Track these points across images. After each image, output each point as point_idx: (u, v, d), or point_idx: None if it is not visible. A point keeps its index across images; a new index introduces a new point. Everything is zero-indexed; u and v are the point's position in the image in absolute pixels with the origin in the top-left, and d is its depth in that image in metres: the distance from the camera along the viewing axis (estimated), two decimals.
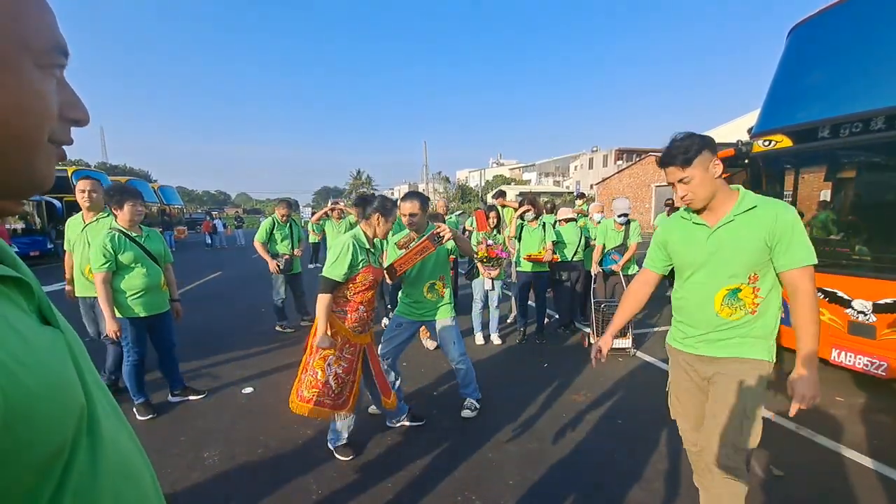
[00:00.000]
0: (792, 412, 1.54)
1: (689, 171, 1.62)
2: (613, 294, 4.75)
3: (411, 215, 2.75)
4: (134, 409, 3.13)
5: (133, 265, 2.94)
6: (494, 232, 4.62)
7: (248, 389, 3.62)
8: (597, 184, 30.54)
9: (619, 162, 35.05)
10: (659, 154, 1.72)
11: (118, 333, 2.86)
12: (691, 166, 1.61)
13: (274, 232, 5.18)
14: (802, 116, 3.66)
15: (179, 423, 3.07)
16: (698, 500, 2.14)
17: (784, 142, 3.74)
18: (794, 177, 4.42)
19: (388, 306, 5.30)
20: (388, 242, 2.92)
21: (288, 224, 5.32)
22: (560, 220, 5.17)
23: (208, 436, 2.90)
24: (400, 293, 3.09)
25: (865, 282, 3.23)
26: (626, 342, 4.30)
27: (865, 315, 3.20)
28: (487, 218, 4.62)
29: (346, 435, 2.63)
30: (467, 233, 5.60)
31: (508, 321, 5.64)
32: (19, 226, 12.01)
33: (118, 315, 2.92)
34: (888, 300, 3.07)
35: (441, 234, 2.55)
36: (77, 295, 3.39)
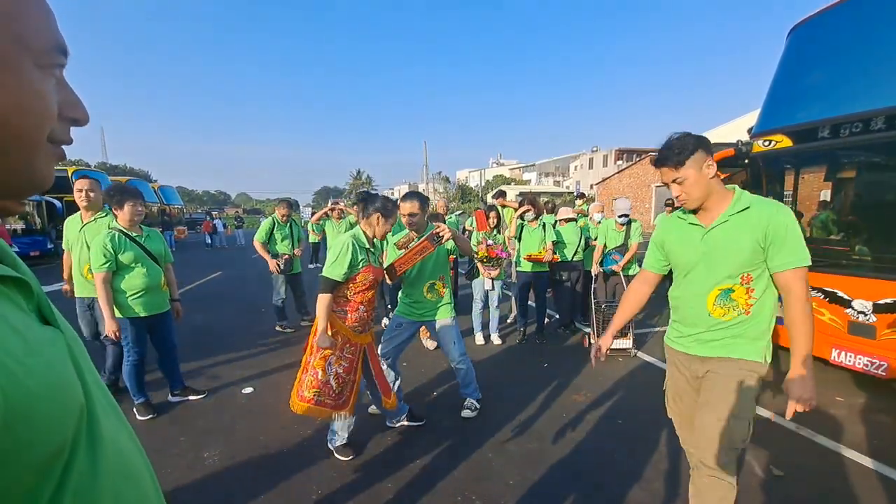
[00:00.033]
0: (788, 414, 1.54)
1: (683, 172, 1.62)
2: (614, 294, 4.75)
3: (411, 215, 2.76)
4: (134, 409, 3.13)
5: (133, 265, 2.94)
6: (494, 232, 4.62)
7: (248, 389, 3.62)
8: (597, 184, 30.54)
9: (619, 162, 35.05)
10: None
11: (117, 333, 2.86)
12: (684, 167, 1.61)
13: (274, 232, 5.19)
14: (802, 116, 3.66)
15: (179, 423, 3.07)
16: None
17: (784, 142, 3.74)
18: (794, 177, 4.42)
19: (388, 306, 5.30)
20: (387, 242, 2.92)
21: (288, 224, 5.32)
22: (560, 220, 5.17)
23: (208, 436, 2.90)
24: (400, 293, 3.09)
25: (865, 282, 3.23)
26: (626, 342, 4.30)
27: (865, 315, 3.20)
28: (487, 218, 4.62)
29: (346, 435, 2.63)
30: (467, 233, 5.61)
31: (508, 321, 5.65)
32: (19, 226, 12.02)
33: (118, 315, 2.92)
34: (888, 300, 3.07)
35: (440, 234, 2.55)
36: (76, 295, 3.39)
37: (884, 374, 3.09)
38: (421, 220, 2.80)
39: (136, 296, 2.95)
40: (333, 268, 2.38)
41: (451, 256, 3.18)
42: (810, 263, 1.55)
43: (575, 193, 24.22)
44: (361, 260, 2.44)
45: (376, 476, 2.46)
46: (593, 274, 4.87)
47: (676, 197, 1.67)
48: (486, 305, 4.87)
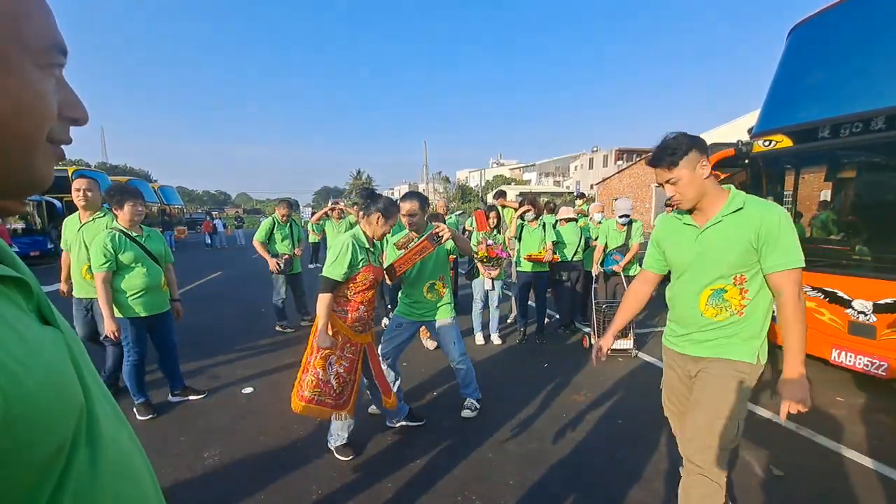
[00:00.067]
0: (782, 415, 1.54)
1: (676, 173, 1.62)
2: (615, 294, 4.75)
3: (411, 215, 2.76)
4: (134, 409, 3.13)
5: (133, 265, 2.94)
6: (494, 232, 4.62)
7: (248, 389, 3.62)
8: (597, 184, 30.55)
9: (620, 162, 35.06)
10: None
11: (116, 334, 2.86)
12: (678, 167, 1.61)
13: (274, 232, 5.19)
14: (802, 116, 3.66)
15: (179, 423, 3.07)
16: None
17: (784, 142, 3.74)
18: (795, 177, 4.42)
19: (388, 306, 5.30)
20: (387, 243, 2.92)
21: (288, 224, 5.32)
22: (560, 220, 5.17)
23: (208, 436, 2.90)
24: (400, 293, 3.09)
25: (866, 282, 3.23)
26: (627, 343, 4.30)
27: (866, 315, 3.20)
28: (487, 218, 4.62)
29: (346, 435, 2.63)
30: (467, 233, 5.61)
31: (508, 321, 5.65)
32: (19, 226, 12.03)
33: (118, 315, 2.92)
34: (888, 300, 3.07)
35: (440, 234, 2.55)
36: (74, 296, 3.37)
37: (884, 374, 3.09)
38: (421, 221, 2.80)
39: (136, 296, 2.95)
40: (333, 268, 2.38)
41: (451, 256, 3.18)
42: (804, 265, 1.55)
43: (575, 193, 24.23)
44: (361, 260, 2.44)
45: (376, 476, 2.46)
46: (593, 274, 4.87)
47: (671, 197, 1.68)
48: (486, 305, 4.87)
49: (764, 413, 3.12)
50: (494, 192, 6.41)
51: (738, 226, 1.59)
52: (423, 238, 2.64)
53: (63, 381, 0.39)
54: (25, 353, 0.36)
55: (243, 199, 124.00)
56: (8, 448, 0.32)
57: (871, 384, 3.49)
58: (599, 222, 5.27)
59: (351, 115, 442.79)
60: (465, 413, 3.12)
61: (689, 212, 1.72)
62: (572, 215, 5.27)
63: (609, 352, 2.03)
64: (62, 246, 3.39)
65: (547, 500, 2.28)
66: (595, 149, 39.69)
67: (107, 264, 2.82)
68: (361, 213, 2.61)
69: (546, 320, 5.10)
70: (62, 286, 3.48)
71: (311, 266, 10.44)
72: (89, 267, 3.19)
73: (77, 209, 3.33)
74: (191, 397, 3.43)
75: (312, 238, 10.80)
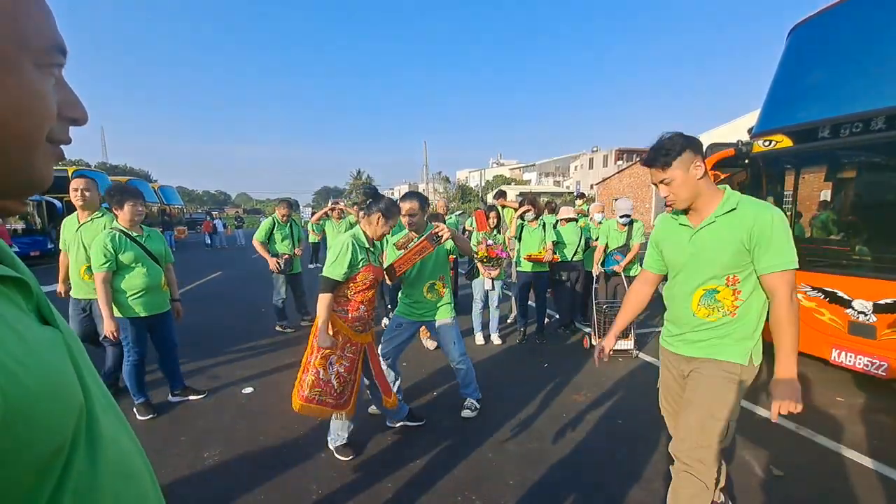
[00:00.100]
0: (773, 416, 1.54)
1: (670, 173, 1.62)
2: (615, 295, 4.75)
3: (410, 215, 2.76)
4: (134, 409, 3.13)
5: (133, 265, 2.94)
6: (494, 232, 4.62)
7: (248, 389, 3.62)
8: (597, 184, 30.55)
9: (620, 162, 35.06)
10: None
11: (115, 334, 2.86)
12: (671, 168, 1.61)
13: (274, 232, 5.19)
14: (802, 116, 3.66)
15: (179, 423, 3.07)
16: None
17: (784, 142, 3.74)
18: (795, 177, 4.42)
19: (388, 306, 5.30)
20: (387, 243, 2.92)
21: (288, 224, 5.33)
22: (561, 220, 5.17)
23: (208, 436, 2.90)
24: (400, 293, 3.09)
25: (866, 282, 3.23)
26: (628, 343, 4.30)
27: (866, 315, 3.20)
28: (487, 218, 4.62)
29: (346, 435, 2.63)
30: (467, 233, 5.61)
31: (508, 321, 5.65)
32: (20, 226, 12.04)
33: (118, 315, 2.92)
34: (888, 300, 3.07)
35: (439, 234, 2.55)
36: (72, 296, 3.35)
37: (884, 374, 3.09)
38: (420, 221, 2.80)
39: (136, 296, 2.95)
40: (333, 267, 2.38)
41: (451, 256, 3.18)
42: (797, 266, 1.54)
43: (575, 193, 24.23)
44: (361, 259, 2.45)
45: (376, 476, 2.46)
46: (594, 274, 4.87)
47: (664, 197, 1.68)
48: (486, 305, 4.87)
49: (764, 413, 3.12)
50: (494, 192, 6.41)
51: (731, 226, 1.59)
52: (422, 238, 2.64)
53: (62, 381, 0.39)
54: (25, 353, 0.36)
55: (243, 199, 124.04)
56: (8, 448, 0.32)
57: (871, 384, 3.49)
58: (600, 222, 5.27)
59: (351, 115, 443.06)
60: (465, 413, 3.12)
61: (685, 212, 1.72)
62: (573, 215, 5.26)
63: (611, 352, 2.03)
64: (61, 246, 3.38)
65: (547, 500, 2.28)
66: (595, 149, 39.70)
67: (107, 264, 2.82)
68: (362, 212, 2.61)
69: (546, 320, 5.10)
70: (59, 287, 3.47)
71: (311, 266, 10.44)
72: (88, 267, 3.18)
73: (76, 209, 3.33)
74: (191, 397, 3.43)
75: (312, 238, 10.80)
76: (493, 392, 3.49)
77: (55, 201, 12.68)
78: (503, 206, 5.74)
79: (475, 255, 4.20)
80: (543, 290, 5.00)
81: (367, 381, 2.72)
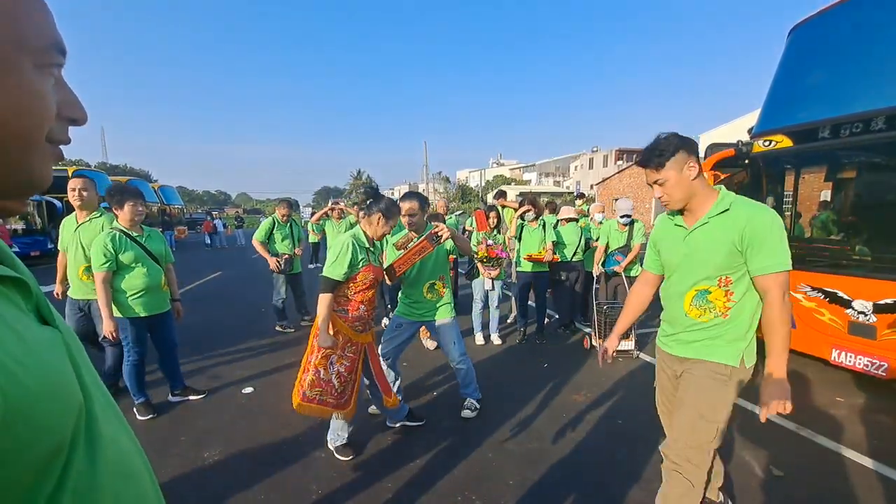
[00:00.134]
0: (762, 417, 1.54)
1: (663, 174, 1.62)
2: (615, 295, 4.75)
3: (410, 215, 2.76)
4: (134, 409, 3.13)
5: (133, 265, 2.94)
6: (494, 232, 4.62)
7: (248, 389, 3.62)
8: (597, 184, 30.55)
9: (620, 162, 35.05)
10: None
11: (114, 334, 2.86)
12: (665, 168, 1.62)
13: (274, 232, 5.19)
14: (803, 116, 3.66)
15: (179, 423, 3.07)
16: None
17: (784, 142, 3.74)
18: (795, 177, 4.42)
19: (388, 306, 5.30)
20: (386, 243, 2.92)
21: (288, 224, 5.33)
22: (561, 220, 5.17)
23: (208, 436, 2.90)
24: (400, 294, 3.09)
25: (866, 282, 3.23)
26: (629, 344, 4.30)
27: (866, 315, 3.20)
28: (487, 218, 4.62)
29: (346, 435, 2.63)
30: (467, 233, 5.61)
31: (508, 321, 5.65)
32: (20, 226, 12.04)
33: (118, 315, 2.91)
34: (888, 300, 3.07)
35: (439, 234, 2.55)
36: (70, 296, 3.33)
37: (884, 374, 3.09)
38: (420, 221, 2.80)
39: (136, 296, 2.95)
40: (334, 267, 2.38)
41: (451, 256, 3.18)
42: (789, 268, 1.53)
43: (575, 193, 24.23)
44: (361, 259, 2.45)
45: (376, 476, 2.46)
46: (594, 275, 4.87)
47: (658, 198, 1.69)
48: (486, 305, 4.87)
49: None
50: (495, 192, 6.41)
51: (724, 227, 1.59)
52: (422, 238, 2.65)
53: (62, 380, 0.39)
54: (25, 353, 0.36)
55: (243, 199, 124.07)
56: (7, 448, 0.32)
57: (871, 384, 3.49)
58: (600, 223, 5.26)
59: (351, 115, 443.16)
60: (465, 413, 3.12)
61: (681, 213, 1.73)
62: (573, 215, 5.26)
63: (615, 353, 2.04)
64: (59, 247, 3.37)
65: (547, 500, 2.28)
66: (595, 149, 39.69)
67: (107, 264, 2.82)
68: (362, 212, 2.61)
69: (546, 320, 5.10)
70: (57, 288, 3.43)
71: (311, 266, 10.44)
72: (87, 267, 3.18)
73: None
74: (191, 397, 3.43)
75: (312, 238, 10.81)
76: (493, 392, 3.49)
77: (55, 201, 12.68)
78: (503, 206, 5.74)
79: (475, 255, 4.20)
80: (543, 291, 5.00)
81: (366, 381, 2.72)
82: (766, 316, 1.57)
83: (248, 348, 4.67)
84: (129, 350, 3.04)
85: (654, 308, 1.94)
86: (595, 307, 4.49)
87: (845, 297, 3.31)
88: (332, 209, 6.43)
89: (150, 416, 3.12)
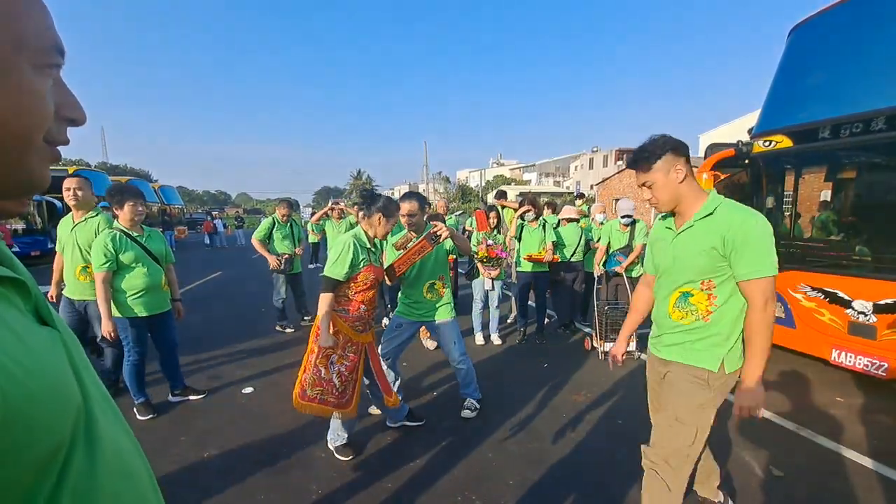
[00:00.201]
0: (735, 418, 1.57)
1: (650, 176, 1.63)
2: (616, 296, 4.74)
3: (410, 215, 2.76)
4: (134, 409, 3.13)
5: (134, 265, 2.94)
6: (494, 232, 4.62)
7: (248, 389, 3.62)
8: (597, 184, 30.53)
9: (620, 162, 35.01)
10: None
11: (112, 334, 2.86)
12: (651, 171, 1.62)
13: (274, 232, 5.20)
14: (803, 117, 3.66)
15: (179, 423, 3.07)
16: (697, 500, 2.16)
17: (784, 142, 3.74)
18: (795, 177, 4.42)
19: (388, 306, 5.30)
20: (386, 243, 2.92)
21: (288, 224, 5.33)
22: (562, 220, 5.18)
23: (208, 436, 2.90)
24: (399, 294, 3.09)
25: (866, 282, 3.23)
26: (630, 345, 4.30)
27: (866, 315, 3.20)
28: (487, 218, 4.62)
29: (346, 435, 2.63)
30: (467, 233, 5.61)
31: (508, 321, 5.65)
32: (20, 226, 12.05)
33: (117, 315, 2.91)
34: (888, 300, 3.07)
35: (438, 234, 2.55)
36: (66, 295, 3.31)
37: (884, 374, 3.09)
38: (420, 221, 2.80)
39: (136, 295, 2.95)
40: (335, 267, 2.38)
41: (451, 257, 3.17)
42: (773, 274, 1.51)
43: (575, 194, 24.23)
44: (362, 259, 2.45)
45: (376, 476, 2.46)
46: (595, 275, 4.87)
47: (647, 200, 1.70)
48: (486, 305, 4.87)
49: (764, 413, 3.11)
50: (495, 192, 6.41)
51: (707, 231, 1.58)
52: (421, 238, 2.65)
53: (61, 381, 0.39)
54: (24, 354, 0.36)
55: (243, 199, 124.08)
56: (7, 448, 0.32)
57: (871, 384, 3.49)
58: (602, 223, 5.26)
59: (351, 116, 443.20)
60: (465, 413, 3.12)
61: (673, 215, 1.74)
62: (574, 215, 5.26)
63: (624, 357, 2.05)
64: (57, 248, 3.34)
65: (547, 500, 2.28)
66: (595, 149, 39.67)
67: (107, 264, 2.82)
68: (362, 213, 2.61)
69: (546, 320, 5.10)
70: (52, 290, 3.40)
71: (311, 266, 10.45)
72: (83, 267, 3.18)
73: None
74: (191, 397, 3.43)
75: (312, 238, 10.81)
76: (493, 392, 3.49)
77: (55, 201, 12.68)
78: (503, 207, 5.74)
79: (475, 256, 4.20)
80: (543, 291, 5.00)
81: (366, 381, 2.72)
82: (747, 321, 1.57)
83: (248, 348, 4.67)
84: (129, 350, 3.04)
85: None
86: (596, 307, 4.48)
87: (845, 297, 3.31)
88: (332, 209, 6.43)
89: (150, 416, 3.12)
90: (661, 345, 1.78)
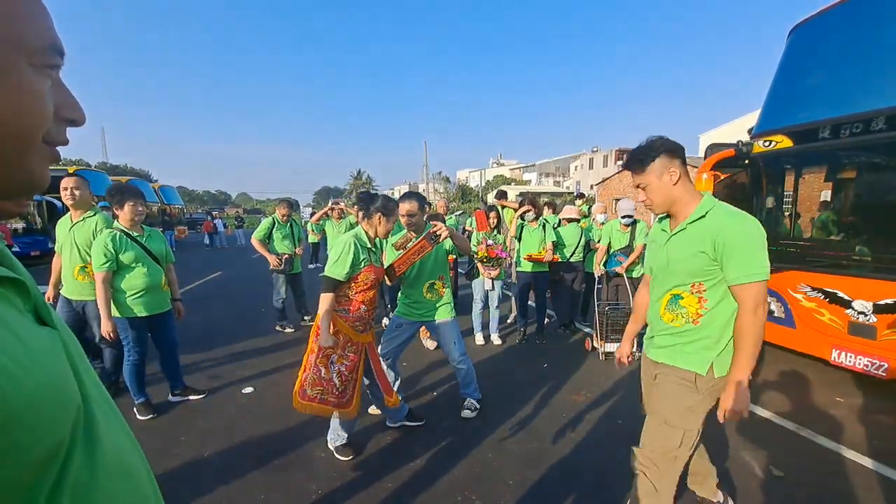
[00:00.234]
0: (720, 419, 1.58)
1: (644, 178, 1.63)
2: (617, 296, 4.74)
3: (409, 215, 2.76)
4: (134, 409, 3.13)
5: (134, 265, 2.94)
6: (494, 232, 4.62)
7: (248, 389, 3.62)
8: (597, 184, 30.52)
9: (620, 162, 34.99)
10: None
11: (112, 334, 2.86)
12: (645, 173, 1.62)
13: (274, 231, 5.19)
14: (803, 117, 3.66)
15: (179, 423, 3.07)
16: (696, 500, 2.16)
17: (784, 142, 3.74)
18: (795, 177, 4.42)
19: (388, 306, 5.30)
20: (387, 243, 2.92)
21: (288, 224, 5.33)
22: (563, 220, 5.17)
23: (208, 436, 2.90)
24: (399, 294, 3.09)
25: (866, 282, 3.23)
26: (633, 346, 4.28)
27: (866, 315, 3.19)
28: (487, 218, 4.62)
29: (346, 435, 2.63)
30: (467, 233, 5.61)
31: (508, 321, 5.65)
32: (20, 225, 12.04)
33: (117, 315, 2.91)
34: (888, 300, 3.07)
35: (437, 233, 2.55)
36: (64, 295, 3.30)
37: (884, 374, 3.08)
38: (419, 221, 2.80)
39: (136, 295, 2.95)
40: (335, 267, 2.39)
41: (451, 257, 3.17)
42: (763, 278, 1.50)
43: (575, 194, 24.23)
44: (363, 259, 2.45)
45: (376, 476, 2.46)
46: (596, 276, 4.87)
47: (642, 201, 1.70)
48: (486, 305, 4.87)
49: (764, 413, 3.12)
50: (495, 192, 6.41)
51: (697, 234, 1.58)
52: (421, 238, 2.65)
53: (61, 381, 0.39)
54: (24, 355, 0.36)
55: (243, 199, 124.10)
56: (7, 448, 0.32)
57: (871, 384, 3.49)
58: (603, 223, 5.26)
59: (351, 115, 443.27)
60: (465, 413, 3.12)
61: (668, 217, 1.74)
62: (575, 216, 5.26)
63: (630, 359, 2.05)
64: (56, 248, 3.34)
65: (547, 500, 2.28)
66: (595, 149, 39.65)
67: (107, 264, 2.82)
68: (362, 214, 2.61)
69: (546, 320, 5.10)
70: (49, 291, 3.38)
71: (311, 266, 10.44)
72: (81, 267, 3.17)
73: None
74: (191, 397, 3.43)
75: (312, 238, 10.81)
76: (493, 392, 3.49)
77: (55, 201, 12.68)
78: (503, 207, 5.74)
79: (475, 255, 4.20)
80: (543, 291, 5.00)
81: (367, 381, 2.72)
82: (736, 325, 1.56)
83: (248, 348, 4.67)
84: (129, 350, 3.04)
85: None
86: (596, 308, 4.48)
87: (845, 297, 3.31)
88: (332, 209, 6.43)
89: (150, 416, 3.12)
90: (653, 346, 1.79)
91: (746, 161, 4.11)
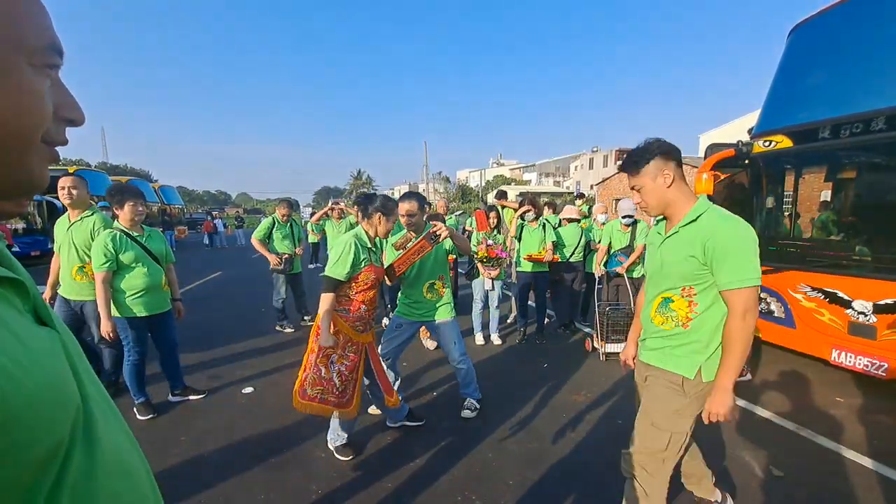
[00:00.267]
0: (705, 420, 1.59)
1: (638, 180, 1.64)
2: (617, 297, 4.74)
3: (409, 215, 2.76)
4: (134, 409, 3.13)
5: (134, 265, 2.94)
6: (494, 232, 4.62)
7: (248, 389, 3.62)
8: (597, 184, 30.52)
9: (619, 162, 34.97)
10: None
11: (111, 335, 2.85)
12: (639, 175, 1.63)
13: (274, 231, 5.19)
14: (803, 117, 3.66)
15: (179, 423, 3.07)
16: (694, 501, 2.16)
17: (784, 142, 3.74)
18: (795, 177, 4.42)
19: (388, 306, 5.30)
20: (387, 243, 2.92)
21: (288, 224, 5.33)
22: (563, 220, 5.17)
23: (208, 436, 2.90)
24: (399, 294, 3.09)
25: (866, 282, 3.23)
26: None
27: (866, 315, 3.19)
28: (487, 218, 4.62)
29: (346, 435, 2.63)
30: (467, 233, 5.61)
31: (508, 321, 5.65)
32: (20, 225, 12.04)
33: (117, 315, 2.91)
34: (888, 300, 3.07)
35: (437, 233, 2.55)
36: (62, 295, 3.29)
37: (884, 374, 3.08)
38: (419, 220, 2.80)
39: (136, 295, 2.95)
40: (336, 267, 2.39)
41: (451, 257, 3.17)
42: (754, 284, 1.49)
43: (575, 194, 24.22)
44: (364, 259, 2.45)
45: (376, 476, 2.46)
46: (596, 276, 4.86)
47: (637, 203, 1.70)
48: (486, 305, 4.87)
49: (764, 413, 3.12)
50: (495, 192, 6.40)
51: (689, 238, 1.58)
52: (420, 238, 2.65)
53: (60, 382, 0.39)
54: (24, 355, 0.36)
55: (243, 199, 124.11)
56: (7, 448, 0.33)
57: (871, 384, 3.49)
58: (604, 223, 5.26)
59: (351, 115, 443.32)
60: (465, 413, 3.12)
61: (665, 219, 1.74)
62: (575, 216, 5.26)
63: (635, 360, 2.06)
64: (54, 248, 3.32)
65: (547, 500, 2.28)
66: (595, 149, 39.64)
67: (107, 264, 2.82)
68: (361, 215, 2.61)
69: (546, 320, 5.10)
70: (47, 292, 3.36)
71: (311, 266, 10.44)
72: (80, 267, 3.17)
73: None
74: (191, 397, 3.43)
75: (312, 238, 10.81)
76: (493, 392, 3.49)
77: (55, 201, 12.67)
78: (503, 207, 5.74)
79: (475, 255, 4.20)
80: (543, 291, 5.00)
81: (367, 381, 2.72)
82: (724, 329, 1.56)
83: (248, 348, 4.67)
84: (129, 350, 3.04)
85: None
86: (597, 308, 4.48)
87: (845, 297, 3.31)
88: (333, 209, 6.43)
89: (150, 416, 3.12)
90: (645, 348, 1.79)
91: (746, 161, 4.10)
